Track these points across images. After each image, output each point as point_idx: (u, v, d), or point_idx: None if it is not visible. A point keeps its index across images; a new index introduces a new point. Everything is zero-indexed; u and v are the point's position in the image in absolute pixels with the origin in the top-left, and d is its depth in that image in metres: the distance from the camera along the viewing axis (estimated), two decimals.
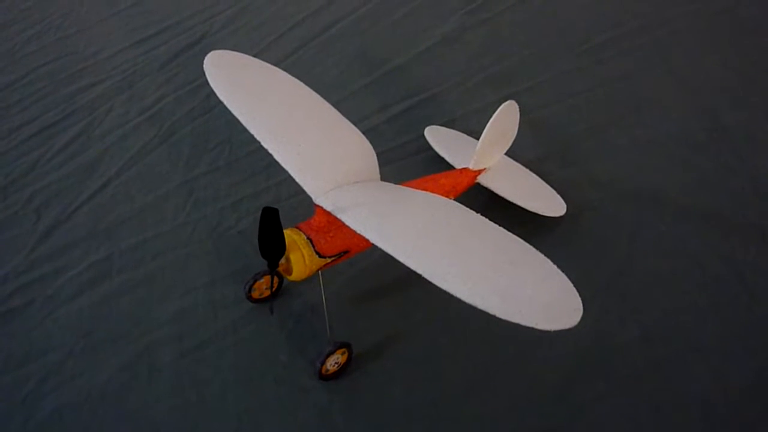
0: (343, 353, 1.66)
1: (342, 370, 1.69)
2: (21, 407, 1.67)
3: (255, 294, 1.82)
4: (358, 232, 1.29)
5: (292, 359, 1.73)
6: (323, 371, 1.64)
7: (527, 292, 1.16)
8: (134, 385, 1.70)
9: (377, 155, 1.67)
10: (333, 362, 1.65)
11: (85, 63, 2.86)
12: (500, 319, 1.16)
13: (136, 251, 2.05)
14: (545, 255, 1.34)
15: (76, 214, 2.19)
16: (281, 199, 2.21)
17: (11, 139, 2.49)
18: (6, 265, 2.02)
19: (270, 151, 1.48)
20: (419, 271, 1.17)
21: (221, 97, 1.58)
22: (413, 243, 1.23)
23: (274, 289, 1.62)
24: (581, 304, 1.18)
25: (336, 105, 1.74)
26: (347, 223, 1.32)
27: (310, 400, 1.65)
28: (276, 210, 1.31)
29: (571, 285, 1.23)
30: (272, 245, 1.39)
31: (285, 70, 1.78)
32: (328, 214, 1.43)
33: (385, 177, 1.70)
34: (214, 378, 1.71)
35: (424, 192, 1.57)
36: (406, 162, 2.32)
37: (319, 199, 1.44)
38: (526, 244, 1.34)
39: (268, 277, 1.79)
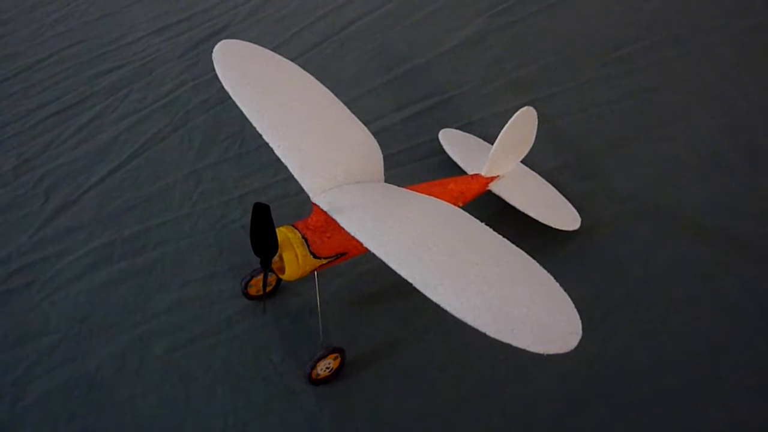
0: (335, 358, 1.61)
1: (334, 376, 1.64)
2: (11, 389, 1.66)
3: (252, 291, 1.78)
4: (351, 234, 1.23)
5: (283, 360, 1.69)
6: (313, 375, 1.59)
7: (523, 310, 1.09)
8: (123, 375, 1.68)
9: (389, 156, 1.62)
10: (324, 367, 1.60)
11: (107, 48, 2.86)
12: None
13: (138, 239, 2.03)
14: (555, 271, 1.26)
15: (83, 197, 2.18)
16: (289, 194, 2.17)
17: (27, 120, 2.50)
18: (10, 244, 2.03)
19: (270, 144, 1.43)
20: (410, 280, 1.11)
21: (227, 87, 1.54)
22: (407, 250, 1.17)
23: (267, 288, 1.58)
24: (580, 327, 1.10)
25: (352, 102, 1.70)
26: (341, 224, 1.27)
27: (298, 404, 1.60)
28: (267, 206, 1.26)
29: (572, 305, 1.15)
30: (263, 243, 1.35)
31: (304, 64, 1.75)
32: (327, 213, 1.38)
33: (395, 179, 1.64)
34: (204, 375, 1.67)
35: (428, 197, 1.50)
36: (418, 164, 2.26)
37: (316, 198, 1.39)
38: (530, 259, 1.26)
39: None
